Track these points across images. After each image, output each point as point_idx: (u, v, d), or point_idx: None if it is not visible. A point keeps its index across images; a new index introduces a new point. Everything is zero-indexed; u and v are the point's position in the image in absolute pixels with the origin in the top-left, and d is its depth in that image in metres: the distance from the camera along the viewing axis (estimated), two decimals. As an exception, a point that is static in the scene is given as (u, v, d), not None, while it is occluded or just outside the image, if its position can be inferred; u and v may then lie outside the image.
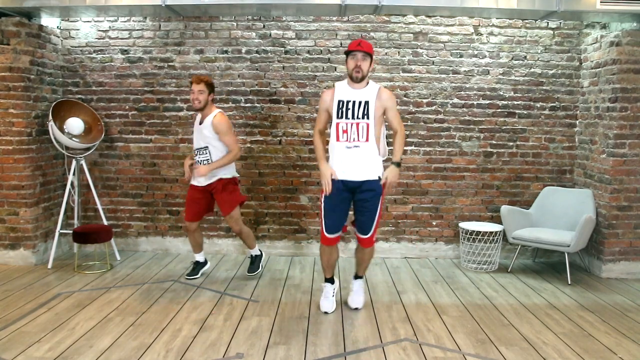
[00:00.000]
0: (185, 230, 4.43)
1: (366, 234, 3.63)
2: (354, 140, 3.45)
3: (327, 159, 3.61)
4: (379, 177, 3.52)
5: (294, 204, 5.26)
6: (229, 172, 4.30)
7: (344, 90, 3.50)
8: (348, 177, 3.50)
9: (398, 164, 3.55)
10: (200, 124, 4.23)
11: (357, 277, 3.90)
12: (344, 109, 3.45)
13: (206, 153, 4.20)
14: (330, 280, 3.84)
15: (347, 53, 3.45)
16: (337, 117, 3.48)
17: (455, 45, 5.10)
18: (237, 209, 4.33)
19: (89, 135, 4.95)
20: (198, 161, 4.24)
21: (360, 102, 3.44)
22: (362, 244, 3.70)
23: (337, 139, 3.49)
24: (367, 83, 3.51)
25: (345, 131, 3.46)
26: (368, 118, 3.43)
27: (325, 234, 3.62)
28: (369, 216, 3.57)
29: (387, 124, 3.71)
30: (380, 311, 3.80)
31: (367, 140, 3.45)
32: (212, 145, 4.19)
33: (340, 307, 3.87)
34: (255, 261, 4.55)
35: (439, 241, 5.29)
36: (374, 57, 3.47)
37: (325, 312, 3.70)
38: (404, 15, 5.03)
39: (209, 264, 4.66)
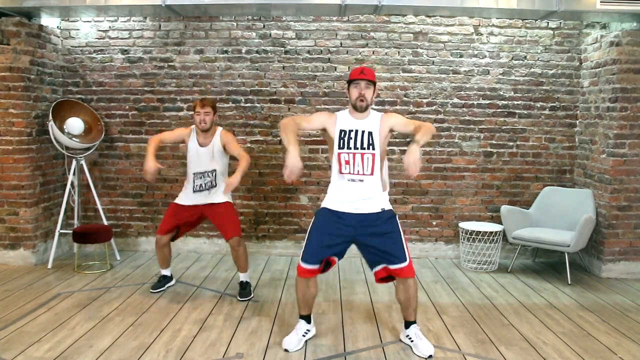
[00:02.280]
0: (155, 244, 4.12)
1: (403, 262, 3.13)
2: (358, 172, 3.10)
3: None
4: (382, 209, 3.15)
5: (294, 204, 5.27)
6: (230, 195, 4.16)
7: (346, 120, 3.17)
8: (348, 209, 3.12)
9: (419, 143, 2.96)
10: (202, 146, 4.04)
11: (408, 324, 3.26)
12: (346, 139, 3.12)
13: (212, 176, 4.04)
14: (306, 319, 3.30)
15: (349, 82, 3.16)
16: (339, 148, 3.13)
17: (455, 45, 5.10)
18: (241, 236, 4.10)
19: (89, 135, 4.95)
20: (199, 185, 4.02)
21: (363, 132, 3.12)
22: (402, 274, 3.15)
23: (340, 171, 3.13)
24: (370, 113, 3.19)
25: (347, 162, 3.11)
26: (373, 148, 3.10)
27: (301, 262, 3.14)
28: (394, 242, 3.14)
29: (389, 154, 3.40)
30: (380, 311, 3.80)
31: (372, 173, 3.10)
32: (219, 166, 4.06)
33: (340, 307, 3.87)
34: (247, 287, 4.12)
35: (439, 241, 5.29)
36: (376, 84, 3.19)
37: (285, 350, 3.14)
38: (404, 15, 5.03)
39: (174, 281, 4.36)
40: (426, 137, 3.03)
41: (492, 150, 5.20)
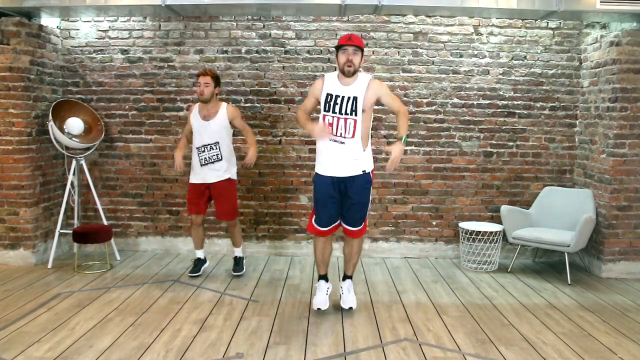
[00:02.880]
0: (191, 224, 4.50)
1: (356, 227, 3.63)
2: (340, 135, 3.44)
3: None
4: (363, 171, 3.51)
5: (294, 204, 5.26)
6: (235, 172, 4.45)
7: (333, 84, 3.49)
8: (334, 173, 3.51)
9: (403, 140, 3.44)
10: (206, 120, 4.26)
11: (345, 277, 3.84)
12: (332, 103, 3.45)
13: (216, 149, 4.25)
14: (325, 278, 3.83)
15: (338, 48, 3.44)
16: (324, 110, 3.50)
17: (455, 45, 5.10)
18: (236, 219, 4.53)
19: (89, 135, 4.95)
20: (206, 157, 4.26)
21: (348, 98, 3.42)
22: (351, 234, 3.67)
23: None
24: (357, 77, 3.47)
25: (331, 124, 3.45)
26: (355, 114, 3.41)
27: (317, 225, 3.63)
28: (358, 210, 3.58)
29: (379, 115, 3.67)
30: (380, 311, 3.80)
31: (352, 136, 3.43)
32: (223, 139, 4.27)
33: (340, 307, 3.86)
34: (240, 262, 4.60)
35: (439, 241, 5.29)
36: (364, 51, 3.46)
37: (319, 309, 3.68)
38: (404, 15, 5.03)
39: (208, 262, 4.73)
40: (407, 124, 3.52)
41: (492, 150, 5.20)
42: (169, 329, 3.40)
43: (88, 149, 5.04)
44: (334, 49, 5.07)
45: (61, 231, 4.87)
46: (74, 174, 4.92)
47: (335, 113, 3.45)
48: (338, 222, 3.67)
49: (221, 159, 4.29)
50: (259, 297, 4.05)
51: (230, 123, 4.33)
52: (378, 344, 3.23)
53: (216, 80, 4.25)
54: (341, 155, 3.47)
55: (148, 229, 5.35)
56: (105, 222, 4.96)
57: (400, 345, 3.21)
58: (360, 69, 3.51)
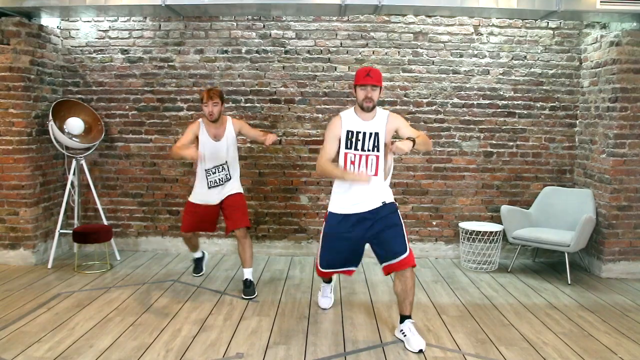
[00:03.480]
0: (183, 237, 4.36)
1: (404, 254, 3.18)
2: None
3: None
4: (384, 202, 3.29)
5: (294, 204, 5.26)
6: (240, 184, 4.24)
7: (352, 120, 3.30)
8: (354, 210, 3.27)
9: (414, 141, 3.15)
10: (217, 140, 4.02)
11: (403, 318, 3.29)
12: (354, 140, 3.26)
13: (225, 169, 4.06)
14: (327, 281, 3.84)
15: (356, 85, 3.26)
16: (346, 148, 3.28)
17: (455, 45, 5.10)
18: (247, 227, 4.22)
19: (89, 135, 4.95)
20: (216, 180, 4.04)
21: (370, 134, 3.26)
22: (402, 266, 3.17)
23: (345, 170, 3.29)
24: (376, 112, 3.32)
25: (353, 162, 3.27)
26: (378, 150, 3.26)
27: (320, 267, 3.49)
28: (395, 235, 3.23)
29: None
30: (380, 311, 3.80)
31: (375, 174, 3.26)
32: (232, 158, 4.09)
33: (340, 307, 3.87)
34: (251, 285, 4.10)
35: (439, 241, 5.29)
36: (382, 85, 3.31)
37: (324, 309, 3.75)
38: (404, 15, 5.03)
39: (207, 254, 4.74)
40: (423, 145, 3.25)
41: (492, 150, 5.20)
42: (169, 329, 3.40)
43: (88, 149, 5.04)
44: (335, 49, 5.09)
45: (61, 231, 4.87)
46: (74, 174, 4.92)
47: (357, 150, 3.26)
48: (347, 269, 3.47)
49: (230, 178, 4.09)
50: (259, 297, 4.05)
51: (239, 134, 4.15)
52: (378, 344, 3.23)
53: (222, 98, 4.02)
54: (362, 193, 3.26)
55: (148, 229, 5.35)
56: (105, 222, 4.96)
57: (400, 345, 3.21)
58: (378, 108, 3.36)
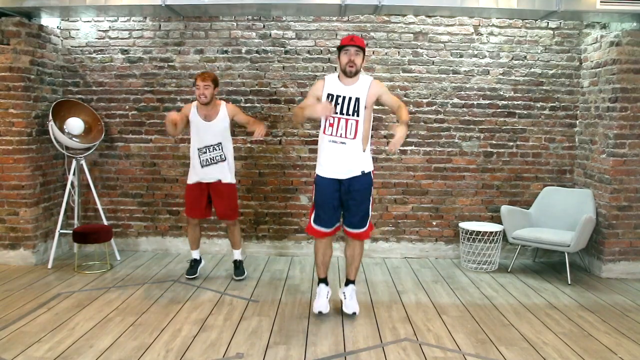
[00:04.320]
0: (188, 223, 4.47)
1: (360, 228, 3.58)
2: (340, 135, 3.42)
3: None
4: (362, 171, 3.48)
5: (294, 204, 5.26)
6: (234, 175, 4.40)
7: (334, 84, 3.46)
8: (335, 175, 3.49)
9: (406, 124, 3.33)
10: (208, 121, 4.21)
11: (348, 282, 3.76)
12: (333, 103, 3.40)
13: (219, 149, 4.22)
14: (325, 281, 3.77)
15: (340, 48, 3.42)
16: None
17: (455, 45, 5.10)
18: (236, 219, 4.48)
19: (89, 135, 4.95)
20: (208, 158, 4.21)
21: (350, 98, 3.40)
22: (355, 236, 3.61)
23: (324, 132, 3.48)
24: (359, 78, 3.46)
25: (332, 125, 3.42)
26: (358, 115, 3.39)
27: (317, 226, 3.59)
28: (360, 211, 3.53)
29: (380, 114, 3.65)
30: (380, 311, 3.80)
31: (354, 137, 3.41)
32: (225, 140, 4.25)
33: (340, 307, 3.86)
34: (240, 265, 4.52)
35: (439, 241, 5.29)
36: (366, 52, 3.44)
37: (320, 312, 3.65)
38: (404, 15, 5.03)
39: (204, 262, 4.70)
40: (407, 116, 3.41)
41: (492, 150, 5.20)
42: (169, 329, 3.40)
43: (88, 149, 5.04)
44: (335, 49, 5.09)
45: (61, 231, 4.87)
46: (74, 174, 4.92)
47: (337, 113, 3.41)
48: (338, 224, 3.65)
49: (225, 159, 4.25)
50: (259, 297, 4.05)
51: (232, 120, 4.31)
52: (378, 344, 3.23)
53: (215, 82, 4.21)
54: (342, 156, 3.45)
55: (148, 229, 5.35)
56: (105, 222, 4.96)
57: (400, 345, 3.21)
58: (362, 71, 3.50)
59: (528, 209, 5.05)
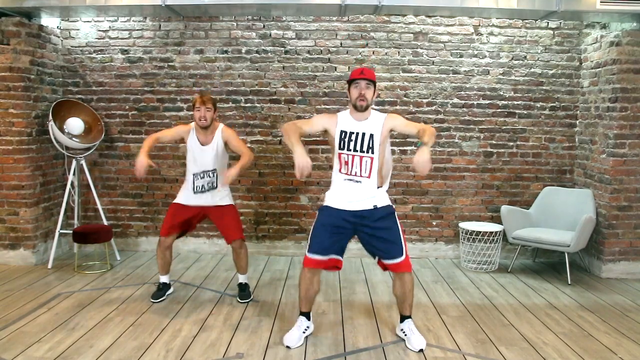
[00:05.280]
0: (158, 246, 3.99)
1: (398, 257, 3.18)
2: (355, 174, 3.19)
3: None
4: (375, 206, 3.20)
5: (294, 204, 5.26)
6: (231, 198, 4.11)
7: (347, 121, 3.23)
8: (346, 207, 3.21)
9: (428, 145, 3.03)
10: (204, 145, 3.93)
11: (403, 318, 3.35)
12: (347, 140, 3.20)
13: (213, 176, 3.93)
14: (306, 316, 3.36)
15: (350, 82, 3.21)
16: (340, 148, 3.22)
17: (455, 45, 5.10)
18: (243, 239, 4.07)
19: (89, 135, 4.95)
20: (200, 186, 3.91)
21: (364, 134, 3.18)
22: (399, 269, 3.21)
23: (339, 170, 3.24)
24: (371, 113, 3.24)
25: (347, 163, 3.20)
26: (372, 152, 3.18)
27: (307, 254, 3.23)
28: (390, 238, 3.19)
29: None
30: (380, 311, 3.80)
31: (369, 176, 3.19)
32: (220, 166, 3.97)
33: (340, 307, 3.87)
34: (245, 288, 4.10)
35: (439, 241, 5.29)
36: (377, 84, 3.25)
37: (287, 347, 3.17)
38: (404, 15, 5.03)
39: (172, 289, 4.20)
40: (432, 139, 3.09)
41: (492, 150, 5.20)
42: (169, 329, 3.40)
43: (88, 149, 5.04)
44: (335, 49, 5.09)
45: (61, 231, 4.87)
46: (74, 174, 4.92)
47: (351, 151, 3.19)
48: (335, 257, 3.26)
49: (216, 187, 3.94)
50: (259, 297, 4.05)
51: (225, 145, 3.97)
52: (378, 344, 3.23)
53: (215, 104, 3.92)
54: (356, 194, 3.20)
55: (148, 229, 5.35)
56: (105, 222, 4.96)
57: (400, 346, 3.21)
58: (374, 111, 3.28)
59: (528, 209, 5.05)
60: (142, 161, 3.62)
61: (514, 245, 4.98)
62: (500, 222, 4.97)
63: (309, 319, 3.36)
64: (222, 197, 3.96)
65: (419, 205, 5.24)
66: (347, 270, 4.82)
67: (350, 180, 3.21)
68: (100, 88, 5.23)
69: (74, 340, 3.19)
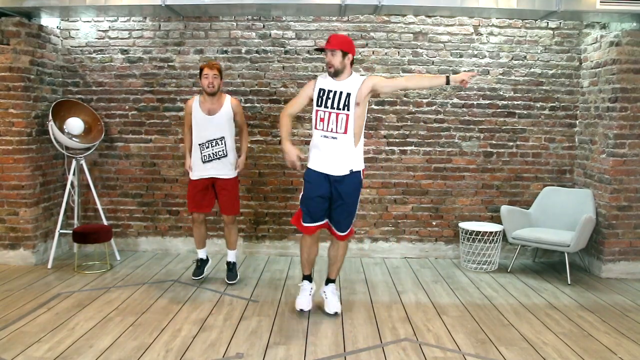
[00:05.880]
0: (192, 222, 4.37)
1: (343, 232, 3.60)
2: (331, 130, 3.41)
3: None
4: (351, 170, 3.45)
5: (294, 204, 5.26)
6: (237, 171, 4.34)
7: (326, 81, 3.48)
8: (325, 170, 3.47)
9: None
10: (211, 114, 4.10)
11: (328, 281, 3.78)
12: (324, 98, 3.42)
13: (222, 144, 4.11)
14: (309, 278, 3.78)
15: (321, 50, 3.47)
16: (317, 105, 3.46)
17: (455, 45, 5.10)
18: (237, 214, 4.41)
19: (89, 135, 4.95)
20: (210, 154, 4.12)
21: (341, 93, 3.39)
22: (339, 238, 3.64)
23: (315, 127, 3.48)
24: (351, 74, 3.45)
25: (322, 119, 3.43)
26: (348, 109, 3.38)
27: (304, 223, 3.56)
28: (345, 212, 3.53)
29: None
30: (380, 311, 3.80)
31: (345, 132, 3.39)
32: (228, 134, 4.15)
33: (340, 307, 3.87)
34: (233, 268, 4.42)
35: (439, 241, 5.29)
36: (348, 49, 3.39)
37: (301, 310, 3.65)
38: (404, 15, 5.03)
39: (210, 261, 4.60)
40: (428, 76, 3.39)
41: (492, 150, 5.20)
42: (169, 329, 3.40)
43: (88, 149, 5.04)
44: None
45: (61, 231, 4.87)
46: (74, 174, 4.92)
47: (327, 107, 3.42)
48: (325, 221, 3.61)
49: (227, 155, 4.15)
50: (259, 297, 4.06)
51: (235, 114, 4.22)
52: (378, 344, 3.23)
53: (221, 72, 4.12)
54: (333, 151, 3.44)
55: (148, 229, 5.35)
56: (105, 222, 4.96)
57: (400, 345, 3.21)
58: (360, 71, 3.50)
59: (528, 209, 5.05)
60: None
61: (514, 245, 4.98)
62: (500, 222, 4.97)
63: (311, 280, 3.78)
64: (228, 170, 4.21)
65: (419, 205, 5.24)
66: (347, 270, 4.82)
67: (326, 137, 3.43)
68: (100, 88, 5.23)
69: (74, 340, 3.19)
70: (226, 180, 4.21)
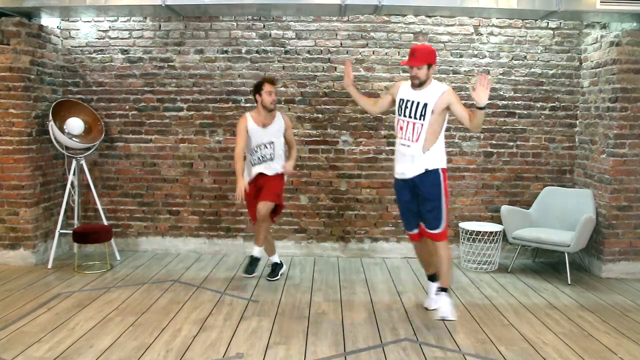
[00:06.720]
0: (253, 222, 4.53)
1: (431, 229, 3.62)
2: (408, 139, 3.56)
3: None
4: (426, 169, 3.54)
5: (294, 204, 5.26)
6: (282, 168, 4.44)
7: (406, 90, 3.61)
8: (401, 176, 3.64)
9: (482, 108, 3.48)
10: (264, 127, 4.29)
11: (432, 279, 3.85)
12: (404, 107, 3.58)
13: (270, 147, 4.28)
14: (431, 278, 3.85)
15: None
16: (398, 114, 3.63)
17: (455, 45, 5.10)
18: (273, 204, 4.32)
19: (89, 135, 4.95)
20: (259, 157, 4.29)
21: (418, 103, 3.52)
22: (429, 237, 3.68)
23: (397, 135, 3.67)
24: (431, 84, 3.55)
25: (401, 128, 3.60)
26: (423, 119, 3.51)
27: (407, 231, 3.83)
28: (430, 209, 3.58)
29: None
30: (380, 311, 3.80)
31: (417, 140, 3.53)
32: (277, 140, 4.33)
33: (340, 307, 3.87)
34: (276, 269, 4.54)
35: (439, 241, 5.28)
36: (433, 61, 3.53)
37: (425, 308, 3.81)
38: (404, 15, 5.03)
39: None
40: (478, 121, 3.56)
41: (492, 150, 5.20)
42: (169, 329, 3.40)
43: (88, 149, 5.04)
44: (335, 49, 5.09)
45: (61, 231, 4.87)
46: (74, 174, 4.92)
47: (405, 117, 3.57)
48: (421, 227, 3.73)
49: (273, 159, 4.31)
50: (259, 297, 4.06)
51: (285, 130, 4.40)
52: (378, 344, 3.23)
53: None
54: (405, 157, 3.59)
55: (148, 229, 5.35)
56: (105, 222, 4.96)
57: (400, 345, 3.21)
58: (436, 82, 3.59)
59: (528, 209, 5.05)
60: (242, 186, 4.10)
61: (514, 245, 4.98)
62: (500, 222, 4.97)
63: (433, 280, 3.82)
64: (275, 168, 4.33)
65: (419, 205, 5.23)
66: (347, 270, 4.82)
67: (403, 144, 3.59)
68: (100, 88, 5.23)
69: (74, 340, 3.19)
70: (270, 175, 4.32)
